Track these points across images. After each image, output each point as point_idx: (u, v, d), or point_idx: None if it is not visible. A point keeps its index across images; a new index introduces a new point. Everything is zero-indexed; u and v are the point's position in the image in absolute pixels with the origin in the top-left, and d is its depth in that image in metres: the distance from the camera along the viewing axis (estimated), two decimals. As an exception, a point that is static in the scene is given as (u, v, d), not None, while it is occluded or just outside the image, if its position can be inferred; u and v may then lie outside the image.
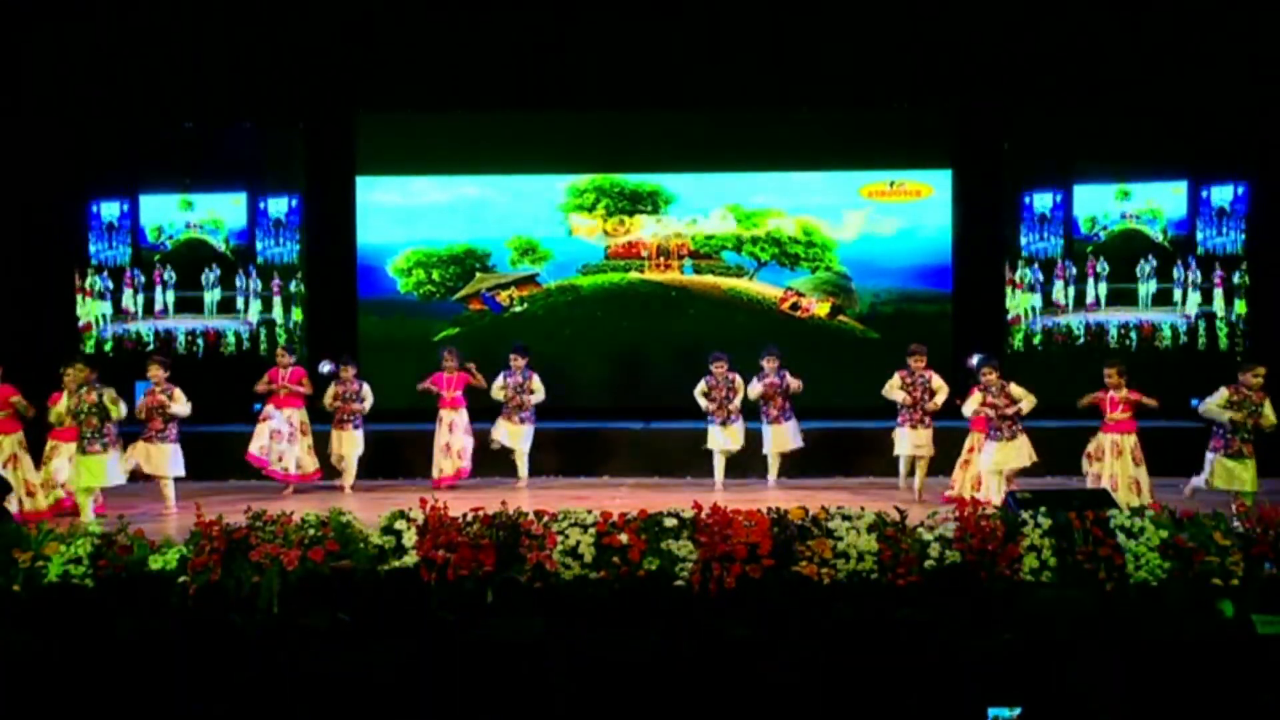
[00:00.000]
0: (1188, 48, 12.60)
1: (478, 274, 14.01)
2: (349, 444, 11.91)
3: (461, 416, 12.04)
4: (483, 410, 12.23)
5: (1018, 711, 4.18)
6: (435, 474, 11.98)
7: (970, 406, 10.59)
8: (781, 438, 11.89)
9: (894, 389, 11.23)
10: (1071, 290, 13.64)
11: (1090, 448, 10.34)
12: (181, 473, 10.92)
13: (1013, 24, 12.93)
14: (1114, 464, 10.15)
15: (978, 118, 13.52)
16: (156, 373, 10.82)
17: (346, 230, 13.98)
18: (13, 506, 9.74)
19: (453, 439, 11.98)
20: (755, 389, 11.79)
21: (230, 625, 4.81)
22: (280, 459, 11.67)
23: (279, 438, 11.66)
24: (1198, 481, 9.98)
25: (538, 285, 14.02)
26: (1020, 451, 10.39)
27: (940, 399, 11.14)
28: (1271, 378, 9.78)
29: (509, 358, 12.15)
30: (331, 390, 11.89)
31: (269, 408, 11.74)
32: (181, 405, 10.77)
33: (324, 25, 13.22)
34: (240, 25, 13.19)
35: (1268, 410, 9.58)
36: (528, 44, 13.25)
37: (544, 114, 13.75)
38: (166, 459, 10.77)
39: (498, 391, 12.06)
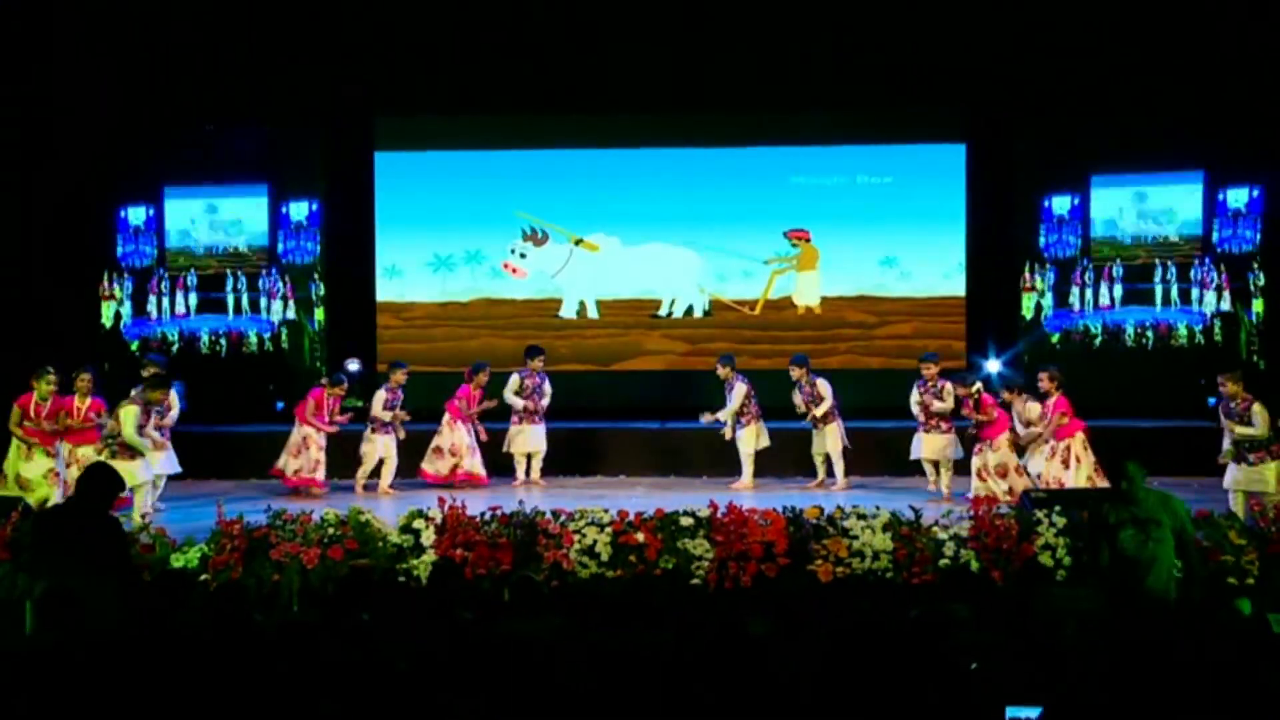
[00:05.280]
0: (1202, 50, 12.66)
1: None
2: (391, 445, 11.72)
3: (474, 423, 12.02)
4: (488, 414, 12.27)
5: (1038, 712, 4.01)
6: (430, 469, 11.81)
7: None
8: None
9: (916, 400, 11.21)
10: (1089, 291, 13.69)
11: None
12: (176, 470, 10.85)
13: (1027, 26, 12.98)
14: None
15: (991, 119, 13.62)
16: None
17: (365, 232, 14.14)
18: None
19: (456, 442, 11.88)
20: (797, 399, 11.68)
21: (250, 622, 4.89)
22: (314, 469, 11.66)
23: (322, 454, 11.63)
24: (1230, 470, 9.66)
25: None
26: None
27: (947, 405, 11.01)
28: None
29: (525, 359, 12.19)
30: (382, 399, 11.61)
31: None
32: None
33: (343, 32, 13.40)
34: (260, 31, 13.36)
35: (1256, 411, 9.34)
36: (541, 50, 13.40)
37: (558, 118, 13.91)
38: (160, 460, 10.62)
39: (513, 395, 11.97)
